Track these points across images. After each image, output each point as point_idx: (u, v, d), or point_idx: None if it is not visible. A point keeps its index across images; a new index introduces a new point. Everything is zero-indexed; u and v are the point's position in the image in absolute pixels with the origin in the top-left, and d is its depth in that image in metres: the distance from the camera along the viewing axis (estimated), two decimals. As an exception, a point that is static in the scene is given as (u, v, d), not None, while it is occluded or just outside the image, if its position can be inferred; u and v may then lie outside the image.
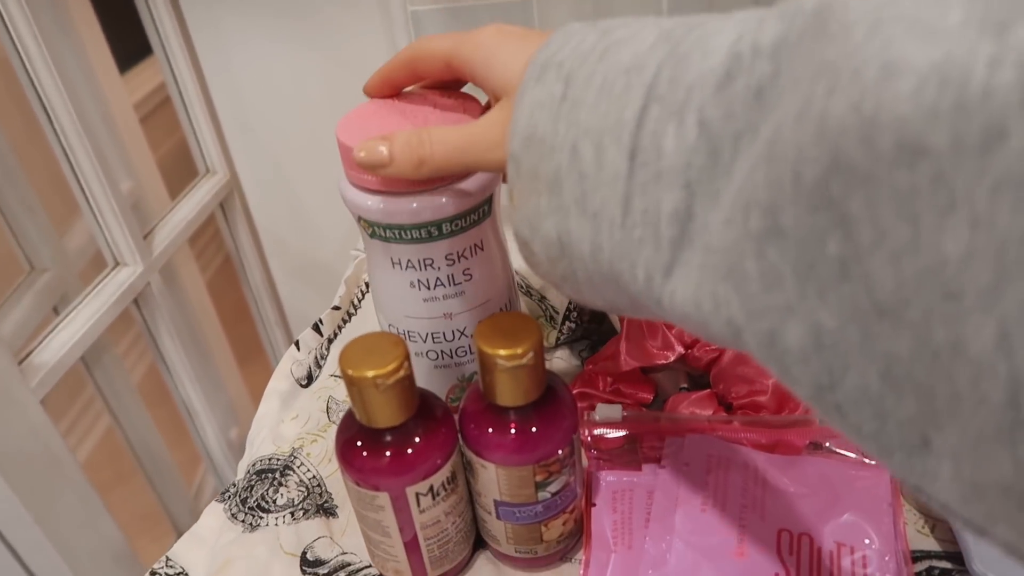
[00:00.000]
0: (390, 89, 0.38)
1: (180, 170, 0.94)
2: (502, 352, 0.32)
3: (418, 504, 0.34)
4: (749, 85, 0.20)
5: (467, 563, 0.39)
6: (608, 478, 0.40)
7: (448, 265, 0.39)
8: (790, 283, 0.19)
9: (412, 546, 0.36)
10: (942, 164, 0.15)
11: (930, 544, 0.37)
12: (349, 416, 0.35)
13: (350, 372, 0.32)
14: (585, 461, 0.41)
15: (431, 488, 0.34)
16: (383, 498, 0.34)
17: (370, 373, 0.31)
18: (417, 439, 0.34)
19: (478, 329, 0.33)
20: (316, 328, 0.54)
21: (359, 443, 0.34)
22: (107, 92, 0.83)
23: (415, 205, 0.36)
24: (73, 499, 0.68)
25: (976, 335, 0.15)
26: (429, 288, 0.39)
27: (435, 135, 0.31)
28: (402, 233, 0.37)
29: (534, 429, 0.34)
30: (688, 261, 0.22)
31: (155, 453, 0.86)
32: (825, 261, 0.18)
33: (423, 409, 0.34)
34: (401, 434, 0.34)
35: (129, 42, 0.91)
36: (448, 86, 0.39)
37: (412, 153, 0.31)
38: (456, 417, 0.36)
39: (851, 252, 0.17)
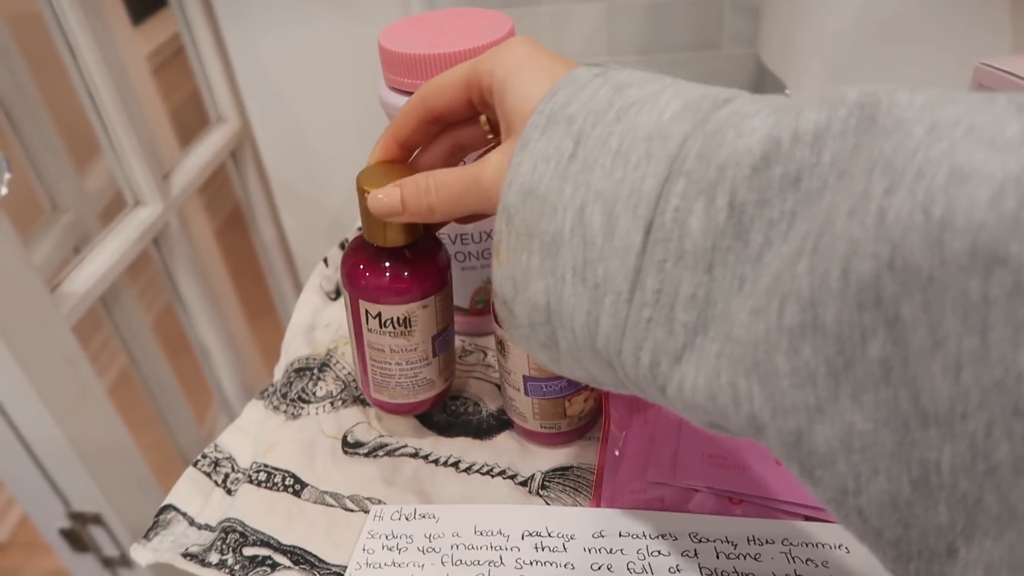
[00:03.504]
0: (399, 146, 0.34)
1: (189, 123, 0.97)
2: None
3: (367, 323, 0.38)
4: (788, 172, 0.19)
5: (413, 410, 0.42)
6: (623, 366, 0.44)
7: (478, 167, 0.42)
8: (823, 382, 0.18)
9: (360, 355, 0.40)
10: (1023, 276, 0.15)
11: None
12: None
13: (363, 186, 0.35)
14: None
15: (379, 315, 0.37)
16: (345, 298, 0.39)
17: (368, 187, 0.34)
18: (378, 268, 0.37)
19: None
20: (342, 247, 0.58)
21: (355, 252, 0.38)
22: (119, 43, 0.86)
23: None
24: (101, 425, 0.71)
25: None
26: (460, 189, 0.43)
27: (438, 180, 0.30)
28: (438, 134, 0.40)
29: None
30: (702, 348, 0.21)
31: (169, 392, 0.89)
32: (865, 362, 0.17)
33: (417, 250, 0.37)
34: (375, 255, 0.37)
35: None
36: (463, 125, 0.34)
37: (421, 202, 0.30)
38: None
39: (897, 356, 0.17)
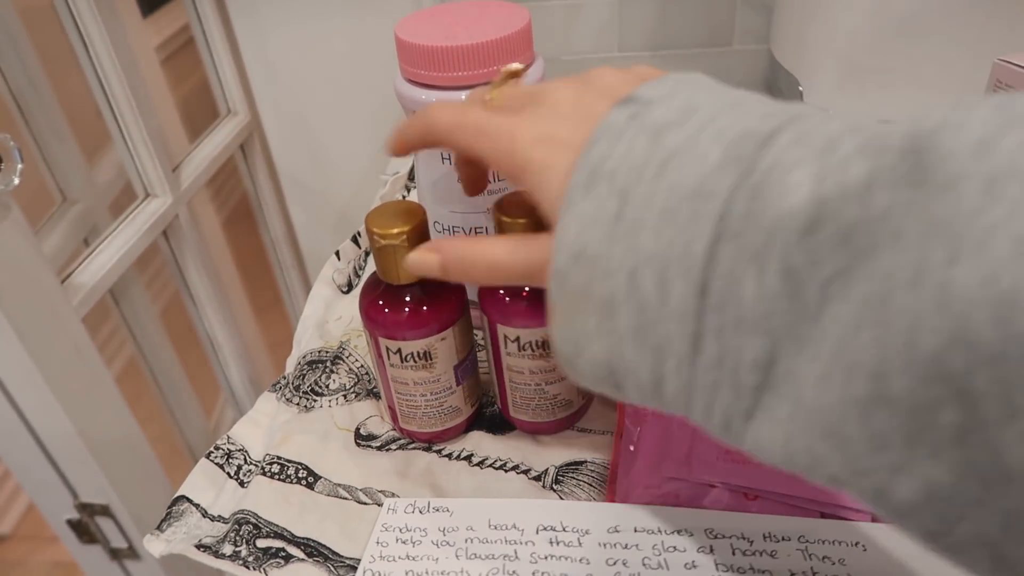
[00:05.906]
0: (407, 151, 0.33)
1: (196, 115, 0.97)
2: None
3: (388, 359, 0.39)
4: (837, 231, 0.19)
5: (443, 437, 0.43)
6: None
7: (494, 161, 0.42)
8: (898, 446, 0.18)
9: (385, 388, 0.41)
10: None
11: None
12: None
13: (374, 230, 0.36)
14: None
15: (399, 350, 0.38)
16: (366, 334, 0.40)
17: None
18: (394, 305, 0.38)
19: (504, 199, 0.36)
20: (354, 240, 0.58)
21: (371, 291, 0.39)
22: (130, 34, 0.86)
23: (465, 99, 0.39)
24: (111, 416, 0.71)
25: None
26: (476, 183, 0.42)
27: (488, 258, 0.29)
28: (454, 127, 0.40)
29: None
30: (772, 407, 0.21)
31: (176, 385, 0.89)
32: (938, 428, 0.17)
33: (432, 282, 0.37)
34: (391, 292, 0.38)
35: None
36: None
37: (464, 275, 0.30)
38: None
39: (972, 423, 0.16)
